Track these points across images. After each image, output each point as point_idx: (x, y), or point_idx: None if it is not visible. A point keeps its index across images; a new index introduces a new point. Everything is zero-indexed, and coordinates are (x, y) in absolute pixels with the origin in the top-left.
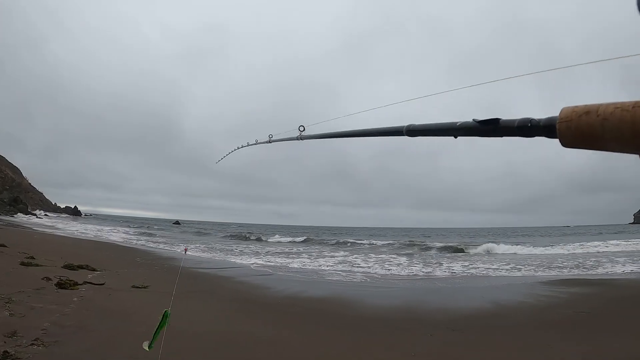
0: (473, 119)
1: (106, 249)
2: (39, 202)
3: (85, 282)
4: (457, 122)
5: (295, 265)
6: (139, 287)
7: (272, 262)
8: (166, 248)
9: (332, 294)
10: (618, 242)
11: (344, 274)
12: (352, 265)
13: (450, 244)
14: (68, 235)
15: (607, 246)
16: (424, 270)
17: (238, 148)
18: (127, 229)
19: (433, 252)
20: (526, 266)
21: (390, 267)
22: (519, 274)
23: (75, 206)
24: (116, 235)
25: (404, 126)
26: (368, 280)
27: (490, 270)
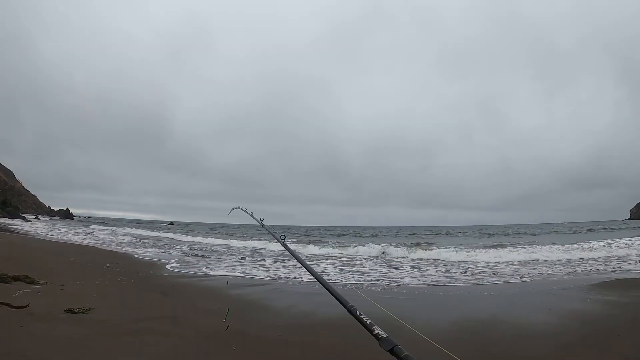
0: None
1: (75, 254)
2: (33, 205)
3: (0, 304)
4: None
5: (297, 273)
6: (75, 312)
7: (269, 267)
8: (147, 252)
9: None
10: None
11: (356, 281)
12: (362, 270)
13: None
14: (43, 239)
15: (622, 247)
16: (448, 275)
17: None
18: (115, 231)
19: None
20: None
21: (405, 272)
22: (564, 277)
23: (67, 208)
24: (99, 237)
25: (348, 302)
26: (388, 288)
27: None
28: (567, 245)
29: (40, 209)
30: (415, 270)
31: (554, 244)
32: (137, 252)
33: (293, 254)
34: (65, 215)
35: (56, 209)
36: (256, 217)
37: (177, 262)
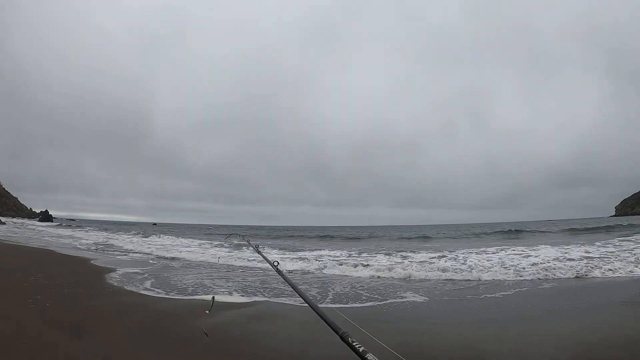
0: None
1: (12, 259)
2: (14, 208)
3: None
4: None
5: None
6: None
7: (249, 278)
8: (107, 258)
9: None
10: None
11: (381, 289)
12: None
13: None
14: None
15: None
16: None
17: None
18: (93, 234)
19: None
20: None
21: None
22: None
23: (47, 210)
24: (68, 239)
25: (340, 329)
26: (426, 294)
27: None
28: (587, 247)
29: (21, 211)
30: None
31: (573, 243)
32: (94, 258)
33: (287, 279)
34: (45, 217)
35: (38, 211)
36: (252, 244)
37: (135, 271)
